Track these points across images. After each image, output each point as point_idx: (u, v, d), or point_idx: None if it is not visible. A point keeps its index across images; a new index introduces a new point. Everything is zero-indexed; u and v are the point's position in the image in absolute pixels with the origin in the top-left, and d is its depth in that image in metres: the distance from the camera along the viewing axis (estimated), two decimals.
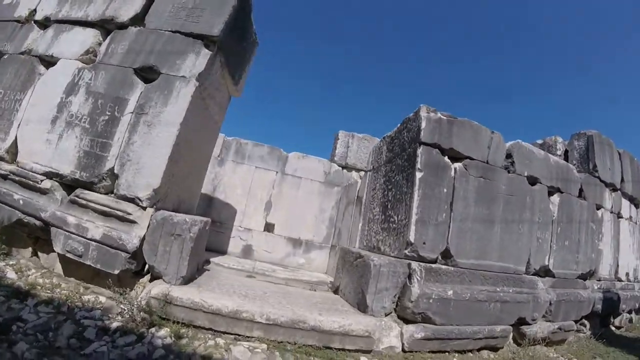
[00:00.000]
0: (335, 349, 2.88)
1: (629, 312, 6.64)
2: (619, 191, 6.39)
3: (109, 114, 3.38)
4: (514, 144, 4.42)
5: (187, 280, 3.13)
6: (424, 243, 3.64)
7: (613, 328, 6.17)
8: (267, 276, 4.61)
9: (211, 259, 4.69)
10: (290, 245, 6.49)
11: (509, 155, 4.34)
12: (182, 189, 3.81)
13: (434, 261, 3.72)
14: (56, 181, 3.35)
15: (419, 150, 3.75)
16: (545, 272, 4.64)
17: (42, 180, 3.33)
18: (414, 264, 3.52)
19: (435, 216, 3.71)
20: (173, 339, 2.45)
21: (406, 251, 3.61)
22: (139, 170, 3.19)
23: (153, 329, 2.51)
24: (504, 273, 4.09)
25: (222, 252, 6.04)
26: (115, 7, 3.77)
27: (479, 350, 3.73)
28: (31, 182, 3.34)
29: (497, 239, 4.07)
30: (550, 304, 4.40)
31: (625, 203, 6.65)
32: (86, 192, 3.25)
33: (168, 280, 2.94)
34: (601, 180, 5.78)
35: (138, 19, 3.71)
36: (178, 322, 2.66)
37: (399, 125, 4.40)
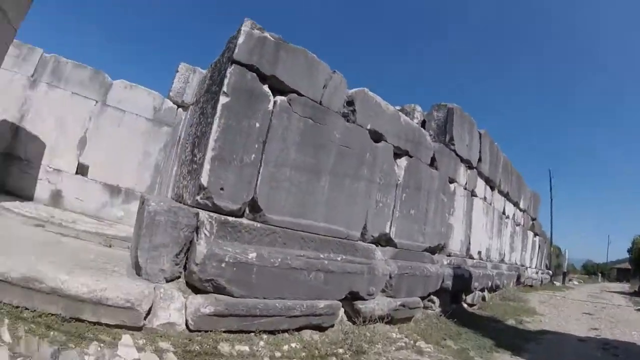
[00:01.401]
0: (89, 322, 2.04)
1: (482, 290, 6.74)
2: (475, 169, 6.41)
3: None
4: (359, 90, 3.81)
5: None
6: (222, 189, 2.75)
7: (465, 305, 6.14)
8: (62, 227, 3.74)
9: (3, 203, 3.96)
10: (107, 193, 5.39)
11: (350, 103, 3.70)
12: None
13: (237, 214, 2.87)
14: None
15: (229, 70, 2.85)
16: (386, 241, 4.15)
17: None
18: (203, 215, 2.64)
19: (241, 156, 2.85)
20: None
21: (198, 197, 2.71)
22: None
23: None
24: (332, 237, 3.43)
25: (28, 197, 4.91)
26: None
27: (298, 330, 3.01)
28: None
29: (324, 196, 3.38)
30: (391, 277, 3.92)
31: (480, 182, 6.73)
32: None
33: None
34: (457, 154, 5.63)
35: None
36: None
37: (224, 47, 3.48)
